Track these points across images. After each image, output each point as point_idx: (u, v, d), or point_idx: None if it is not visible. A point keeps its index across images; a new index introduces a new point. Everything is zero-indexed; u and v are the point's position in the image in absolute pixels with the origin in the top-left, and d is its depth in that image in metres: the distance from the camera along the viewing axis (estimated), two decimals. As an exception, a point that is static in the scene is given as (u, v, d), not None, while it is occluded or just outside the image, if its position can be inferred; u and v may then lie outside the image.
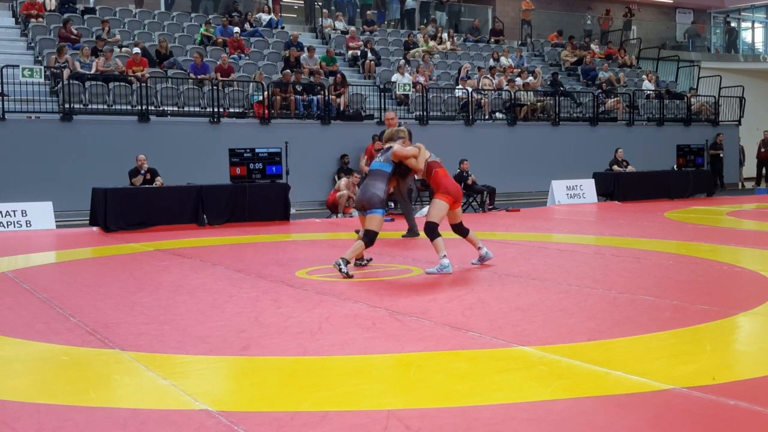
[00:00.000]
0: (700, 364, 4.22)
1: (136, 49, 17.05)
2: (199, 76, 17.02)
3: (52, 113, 15.19)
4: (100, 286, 7.11)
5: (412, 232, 10.69)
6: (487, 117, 19.94)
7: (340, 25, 22.57)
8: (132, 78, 16.19)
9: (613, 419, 3.38)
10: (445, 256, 7.45)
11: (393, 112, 12.11)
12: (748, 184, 23.97)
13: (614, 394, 3.68)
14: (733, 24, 32.16)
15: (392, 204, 13.88)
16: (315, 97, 17.76)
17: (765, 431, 3.24)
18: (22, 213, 12.65)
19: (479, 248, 7.94)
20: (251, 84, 17.59)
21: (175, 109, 16.58)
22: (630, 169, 18.33)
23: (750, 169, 24.27)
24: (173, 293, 6.65)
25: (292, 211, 14.01)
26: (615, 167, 18.08)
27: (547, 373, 4.06)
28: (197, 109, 16.72)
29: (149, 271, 8.04)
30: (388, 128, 10.82)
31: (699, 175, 18.95)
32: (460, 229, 7.95)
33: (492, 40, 25.06)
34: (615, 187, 17.65)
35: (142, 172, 12.96)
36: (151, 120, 15.83)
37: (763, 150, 23.24)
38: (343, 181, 15.22)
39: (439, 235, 7.52)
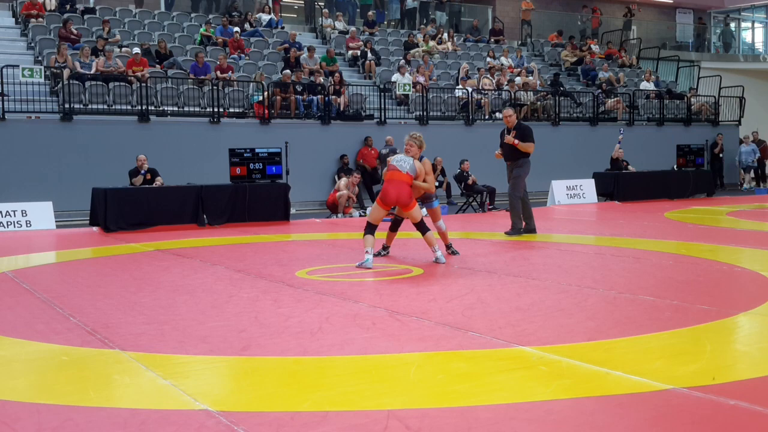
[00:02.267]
0: (700, 364, 4.21)
1: (137, 49, 17.05)
2: (199, 77, 17.02)
3: (52, 113, 15.18)
4: (100, 286, 7.11)
5: (519, 230, 10.82)
6: (487, 117, 19.93)
7: (340, 25, 22.57)
8: (132, 78, 16.18)
9: (613, 419, 3.38)
10: (368, 252, 7.84)
11: (511, 108, 11.32)
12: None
13: (614, 394, 3.68)
14: (705, 21, 32.06)
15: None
16: (315, 97, 17.76)
17: (765, 431, 3.24)
18: (22, 213, 12.65)
19: (434, 251, 8.21)
20: (251, 84, 17.59)
21: (175, 109, 16.58)
22: (630, 168, 18.33)
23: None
24: (173, 293, 6.65)
25: (292, 211, 14.01)
26: (616, 146, 18.14)
27: (547, 373, 4.05)
28: (197, 109, 16.72)
29: (149, 271, 8.04)
30: (506, 125, 10.84)
31: (699, 175, 18.95)
32: (421, 227, 8.27)
33: (492, 40, 25.05)
34: (615, 187, 17.64)
35: (143, 172, 12.96)
36: (151, 120, 15.82)
37: None
38: (343, 181, 15.21)
39: (369, 233, 7.97)
